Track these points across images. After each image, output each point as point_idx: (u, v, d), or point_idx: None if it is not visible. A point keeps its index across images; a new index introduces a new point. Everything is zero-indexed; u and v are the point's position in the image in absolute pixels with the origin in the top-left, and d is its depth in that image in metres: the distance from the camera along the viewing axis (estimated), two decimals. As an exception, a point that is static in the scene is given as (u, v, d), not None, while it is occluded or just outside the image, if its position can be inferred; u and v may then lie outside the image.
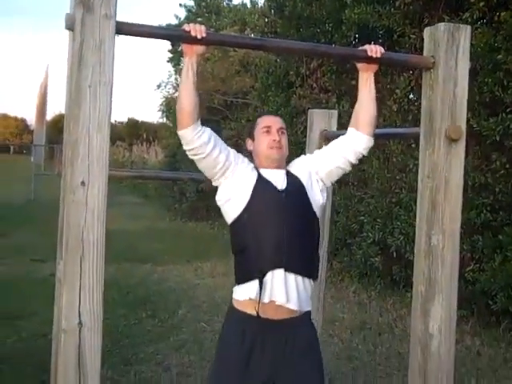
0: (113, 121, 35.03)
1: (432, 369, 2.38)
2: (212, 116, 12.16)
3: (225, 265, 7.76)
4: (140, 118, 49.06)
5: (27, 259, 7.70)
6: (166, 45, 24.18)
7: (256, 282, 2.45)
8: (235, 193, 2.51)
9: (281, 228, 2.48)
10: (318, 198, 2.59)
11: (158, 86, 20.15)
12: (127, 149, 27.49)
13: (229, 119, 12.30)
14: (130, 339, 4.81)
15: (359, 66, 2.52)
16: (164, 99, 19.25)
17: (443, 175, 2.39)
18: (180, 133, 2.43)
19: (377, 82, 2.55)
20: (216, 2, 19.93)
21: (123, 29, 2.11)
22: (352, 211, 7.20)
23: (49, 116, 37.07)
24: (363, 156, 2.64)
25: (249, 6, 17.37)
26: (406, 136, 4.73)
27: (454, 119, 2.39)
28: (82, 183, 2.02)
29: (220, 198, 2.55)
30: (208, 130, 2.45)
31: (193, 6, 21.24)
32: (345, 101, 7.26)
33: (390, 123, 6.41)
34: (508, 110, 5.19)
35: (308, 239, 2.58)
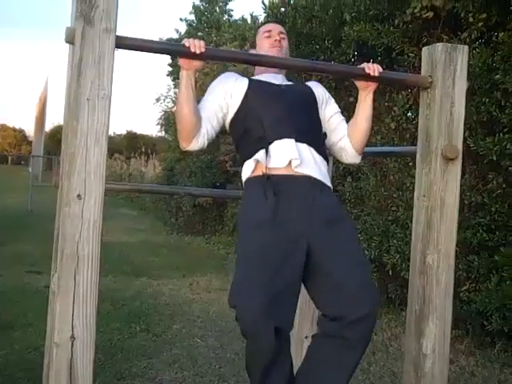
0: (111, 133, 35.09)
1: (425, 388, 2.38)
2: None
3: (220, 280, 7.74)
4: (139, 131, 49.15)
5: (23, 270, 7.67)
6: (166, 58, 24.32)
7: (262, 151, 2.40)
8: (232, 102, 2.57)
9: (284, 108, 2.48)
10: (322, 115, 2.63)
11: (157, 100, 20.24)
12: (125, 161, 27.50)
13: (227, 134, 12.32)
14: (124, 353, 4.77)
15: (358, 84, 2.54)
16: (163, 113, 19.32)
17: (439, 194, 2.40)
18: (185, 149, 2.49)
19: (375, 99, 2.57)
20: (216, 17, 20.04)
21: (123, 43, 2.13)
22: (348, 228, 7.19)
23: (47, 127, 37.15)
24: (357, 169, 2.73)
25: (249, 21, 17.46)
26: (403, 154, 4.75)
27: (450, 138, 2.40)
28: (79, 196, 2.02)
29: (225, 117, 2.62)
30: (204, 123, 2.49)
31: (193, 21, 21.37)
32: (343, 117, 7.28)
33: (387, 141, 6.42)
34: (505, 130, 5.20)
35: (317, 127, 2.57)
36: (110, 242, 9.37)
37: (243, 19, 18.61)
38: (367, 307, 2.24)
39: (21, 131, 64.52)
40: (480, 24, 5.54)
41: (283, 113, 2.45)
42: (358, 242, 2.49)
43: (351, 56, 7.31)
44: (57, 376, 2.02)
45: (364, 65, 2.46)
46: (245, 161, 2.47)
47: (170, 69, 22.82)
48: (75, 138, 2.03)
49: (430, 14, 5.89)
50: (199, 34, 18.80)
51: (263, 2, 8.67)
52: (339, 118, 2.69)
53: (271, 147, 2.38)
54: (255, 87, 2.55)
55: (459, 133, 2.43)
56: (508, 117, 5.15)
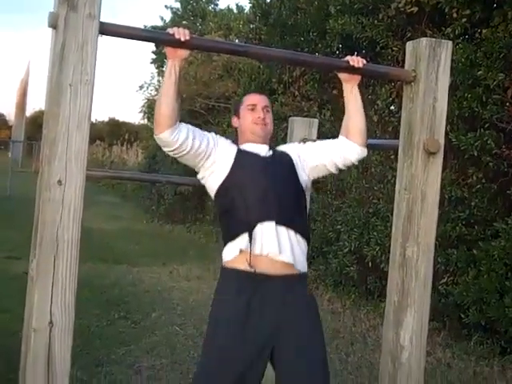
0: (93, 120, 34.81)
1: (402, 379, 2.40)
2: (193, 120, 12.12)
3: (200, 268, 7.75)
4: (121, 118, 48.81)
5: (1, 256, 7.62)
6: (150, 46, 24.17)
7: (245, 235, 2.43)
8: (217, 167, 2.53)
9: (267, 184, 2.49)
10: (304, 175, 2.62)
11: (141, 87, 20.09)
12: (107, 148, 27.35)
13: (210, 123, 12.29)
14: (102, 340, 4.77)
15: (341, 76, 2.54)
16: (146, 100, 19.19)
17: (420, 188, 2.41)
18: (158, 136, 2.43)
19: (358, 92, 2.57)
20: (202, 6, 19.93)
21: (107, 29, 2.11)
22: (329, 220, 7.23)
23: (28, 112, 36.78)
24: (352, 164, 2.69)
25: (235, 11, 17.40)
26: (386, 147, 4.77)
27: (432, 132, 2.42)
28: (59, 182, 2.01)
29: (203, 175, 2.58)
30: (183, 127, 2.46)
31: (178, 9, 21.24)
32: (326, 109, 7.29)
33: (369, 134, 6.43)
34: (486, 126, 5.25)
35: (297, 199, 2.58)
36: (91, 228, 9.32)
37: (229, 9, 18.54)
38: None
39: (1, 115, 63.75)
40: (464, 20, 5.58)
41: (266, 192, 2.47)
42: (323, 335, 2.56)
43: (335, 49, 7.32)
44: (34, 362, 2.01)
45: (348, 57, 2.46)
46: (227, 241, 2.51)
47: (154, 56, 22.69)
48: (56, 124, 2.01)
49: (415, 9, 5.92)
50: (184, 22, 18.68)
51: (249, -8, 8.65)
52: (323, 144, 2.70)
53: (254, 233, 2.43)
54: (243, 157, 2.55)
55: (441, 127, 2.44)
56: (489, 113, 5.19)
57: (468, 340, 5.35)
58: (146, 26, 20.15)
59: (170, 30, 2.23)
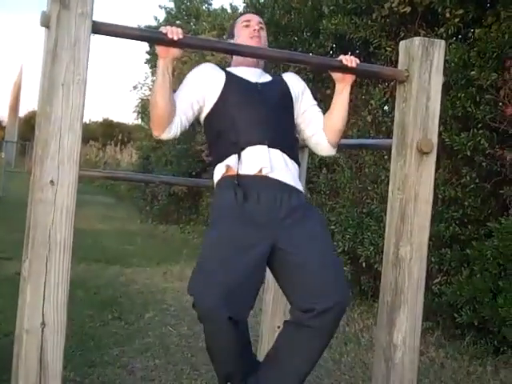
0: (87, 120, 34.75)
1: (395, 379, 2.40)
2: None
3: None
4: (115, 118, 48.73)
5: (-7, 256, 7.58)
6: (144, 46, 24.11)
7: (234, 156, 2.42)
8: (208, 98, 2.54)
9: (260, 112, 2.47)
10: (298, 111, 2.63)
11: (134, 87, 20.01)
12: (101, 149, 27.29)
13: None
14: (95, 341, 4.75)
15: (335, 76, 2.54)
16: (140, 100, 19.14)
17: (413, 187, 2.42)
18: (158, 138, 2.47)
19: (352, 92, 2.57)
20: (196, 5, 19.89)
21: (99, 28, 2.11)
22: (323, 220, 7.22)
23: (21, 113, 36.67)
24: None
25: (229, 11, 17.37)
26: (379, 147, 4.77)
27: (425, 132, 2.42)
28: (51, 182, 2.00)
29: (202, 115, 2.59)
30: (177, 116, 2.47)
31: (172, 9, 21.17)
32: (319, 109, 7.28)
33: (363, 134, 6.45)
34: (479, 126, 5.25)
35: (291, 132, 2.57)
36: (84, 229, 9.30)
37: (222, 9, 18.50)
38: (334, 299, 2.32)
39: (-7, 116, 63.55)
40: (457, 20, 5.58)
41: (258, 117, 2.46)
42: (327, 238, 2.54)
43: (329, 49, 7.32)
44: (27, 363, 2.01)
45: (341, 57, 2.46)
46: (216, 164, 2.50)
47: (148, 56, 22.63)
48: (49, 124, 2.00)
49: (408, 9, 5.92)
50: (178, 22, 18.62)
51: (242, -8, 8.64)
52: (314, 111, 2.69)
53: (243, 153, 2.41)
54: (232, 84, 2.53)
55: (434, 127, 2.44)
56: (482, 113, 5.20)
57: (461, 340, 5.36)
58: (139, 26, 20.09)
59: (163, 29, 2.24)
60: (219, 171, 2.47)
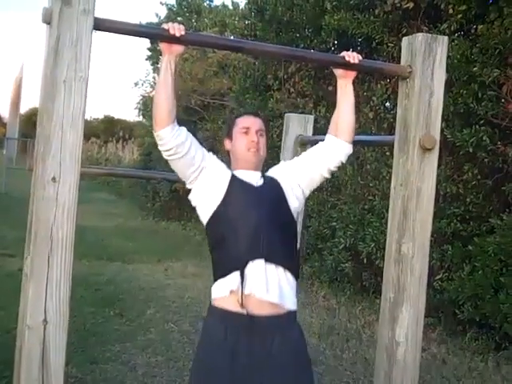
0: (88, 117, 34.73)
1: (397, 375, 2.40)
2: (189, 116, 12.11)
3: (195, 265, 7.74)
4: (116, 115, 48.70)
5: (-4, 253, 7.60)
6: (145, 42, 24.10)
7: (237, 274, 2.37)
8: (210, 191, 2.46)
9: (258, 219, 2.42)
10: (295, 203, 2.54)
11: (136, 84, 20.01)
12: (102, 146, 27.29)
13: (205, 120, 12.27)
14: (97, 338, 4.76)
15: (337, 72, 2.52)
16: (141, 97, 19.15)
17: (416, 184, 2.41)
18: (157, 133, 2.38)
19: (354, 88, 2.55)
20: (197, 2, 19.87)
21: (101, 25, 2.09)
22: (324, 217, 7.22)
23: (23, 110, 36.66)
24: (342, 163, 2.59)
25: (230, 7, 17.36)
26: (381, 144, 4.76)
27: (428, 129, 2.41)
28: (53, 179, 1.99)
29: (194, 198, 2.50)
30: (184, 130, 2.42)
31: (173, 5, 21.15)
32: (322, 106, 7.27)
33: (365, 130, 6.45)
34: (481, 122, 5.25)
35: (287, 234, 2.51)
36: (86, 226, 9.30)
37: (224, 5, 18.50)
38: None
39: (-5, 113, 63.53)
40: (459, 16, 5.57)
41: (257, 228, 2.41)
42: (312, 376, 2.51)
43: (331, 45, 7.31)
44: (29, 359, 2.00)
45: (344, 53, 2.45)
46: (218, 276, 2.45)
47: (149, 53, 22.61)
48: (51, 121, 2.00)
49: (411, 5, 5.91)
50: (179, 18, 18.60)
51: (244, -12, 8.63)
52: (314, 151, 2.60)
53: (245, 272, 2.37)
54: (235, 186, 2.48)
55: (437, 123, 2.43)
56: (484, 109, 5.19)
57: (463, 336, 5.36)
58: (140, 22, 20.05)
59: (165, 26, 2.22)
60: (220, 291, 2.43)
